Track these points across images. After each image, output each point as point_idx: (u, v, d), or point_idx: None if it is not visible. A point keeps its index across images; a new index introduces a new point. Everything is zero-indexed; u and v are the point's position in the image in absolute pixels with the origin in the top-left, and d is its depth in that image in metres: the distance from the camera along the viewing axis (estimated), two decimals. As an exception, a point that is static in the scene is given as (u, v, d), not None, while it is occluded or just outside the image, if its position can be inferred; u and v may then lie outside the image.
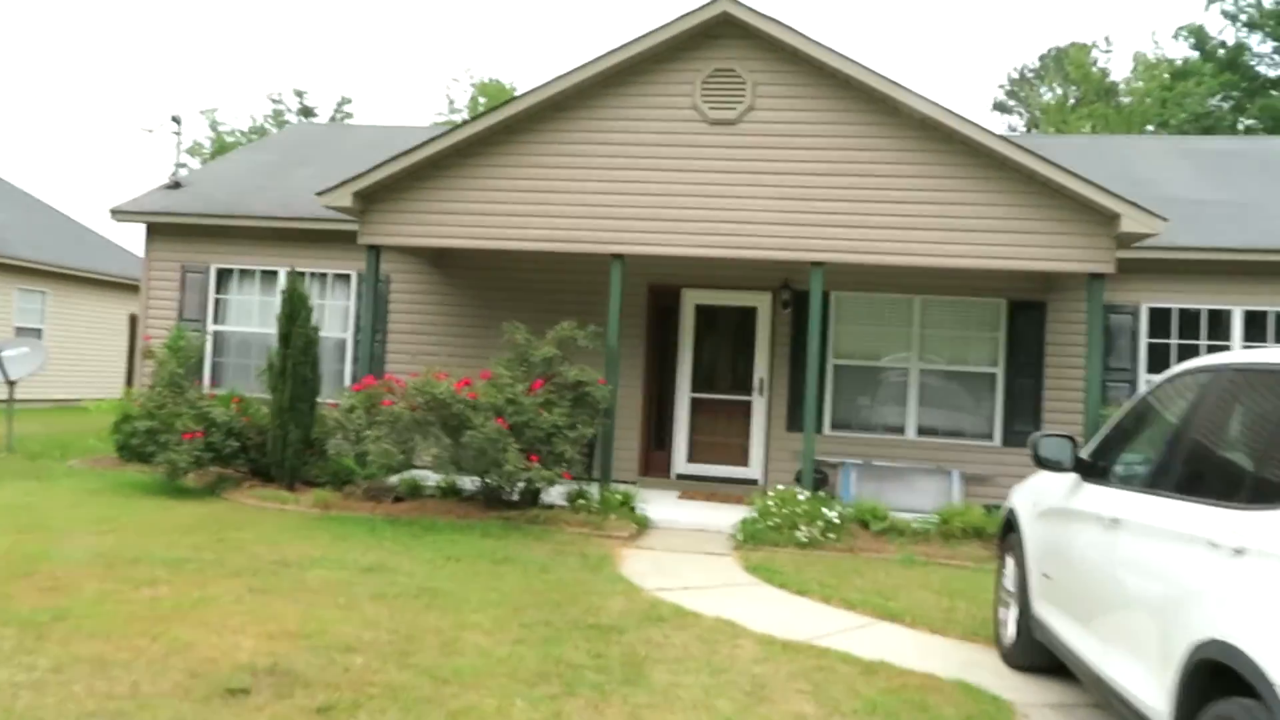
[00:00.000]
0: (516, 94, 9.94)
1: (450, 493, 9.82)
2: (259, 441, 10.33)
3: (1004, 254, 9.64)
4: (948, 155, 9.68)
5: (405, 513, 9.18)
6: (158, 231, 13.22)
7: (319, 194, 10.47)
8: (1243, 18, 32.06)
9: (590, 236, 10.17)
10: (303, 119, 46.96)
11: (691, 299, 12.18)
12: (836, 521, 8.90)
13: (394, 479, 10.06)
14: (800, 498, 9.12)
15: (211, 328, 13.06)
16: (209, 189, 13.95)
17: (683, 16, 9.90)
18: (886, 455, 11.54)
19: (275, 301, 12.91)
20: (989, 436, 11.54)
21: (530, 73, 63.14)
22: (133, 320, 17.06)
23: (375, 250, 10.71)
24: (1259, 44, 32.24)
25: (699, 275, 11.87)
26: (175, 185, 13.83)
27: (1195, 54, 33.23)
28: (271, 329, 12.85)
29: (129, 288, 24.22)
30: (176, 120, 14.75)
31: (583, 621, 5.99)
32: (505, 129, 10.29)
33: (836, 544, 8.76)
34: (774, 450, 11.93)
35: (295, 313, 9.91)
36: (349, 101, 48.55)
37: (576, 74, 10.05)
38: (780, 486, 10.18)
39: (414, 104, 63.90)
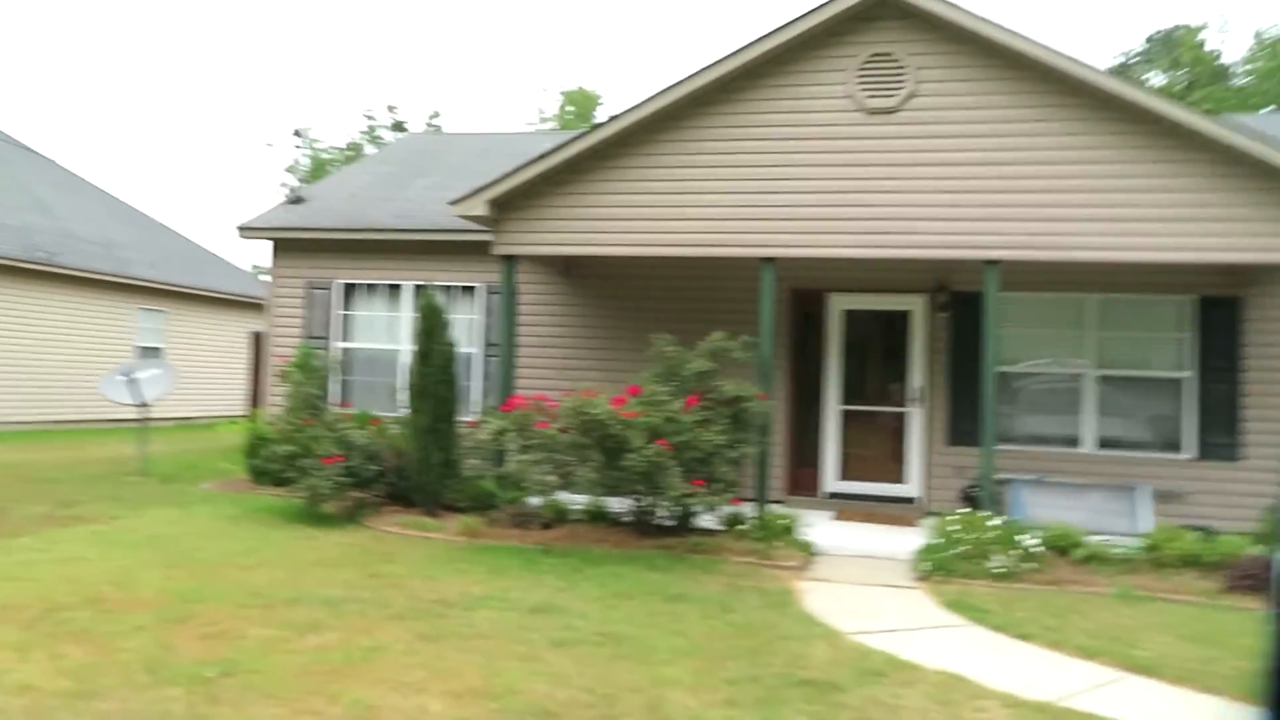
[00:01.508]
0: (656, 91, 9.28)
1: (598, 517, 9.23)
2: (396, 464, 9.91)
3: (1199, 245, 8.61)
4: (1135, 136, 8.70)
5: (556, 541, 8.61)
6: (283, 248, 13.00)
7: (451, 203, 10.01)
8: None
9: (737, 240, 9.48)
10: (395, 134, 47.49)
11: (838, 304, 11.37)
12: (1038, 549, 8.00)
13: (535, 501, 9.53)
14: (991, 522, 8.24)
15: (338, 344, 12.77)
16: (330, 203, 13.70)
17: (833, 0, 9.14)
18: (1060, 471, 10.55)
19: (400, 316, 12.59)
20: (1177, 448, 10.44)
21: (619, 79, 62.91)
22: (253, 338, 17.01)
23: (510, 260, 10.20)
24: None
25: (846, 278, 11.07)
26: (298, 200, 13.62)
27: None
28: (396, 345, 12.56)
29: (245, 305, 24.51)
30: (298, 134, 14.63)
31: (792, 676, 5.29)
32: (643, 128, 9.68)
33: (1036, 574, 7.86)
34: (934, 466, 11.03)
35: (432, 328, 9.45)
36: (439, 115, 48.87)
37: (719, 66, 9.37)
38: (948, 508, 9.34)
39: (503, 114, 64.23)
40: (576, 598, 6.80)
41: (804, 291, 11.30)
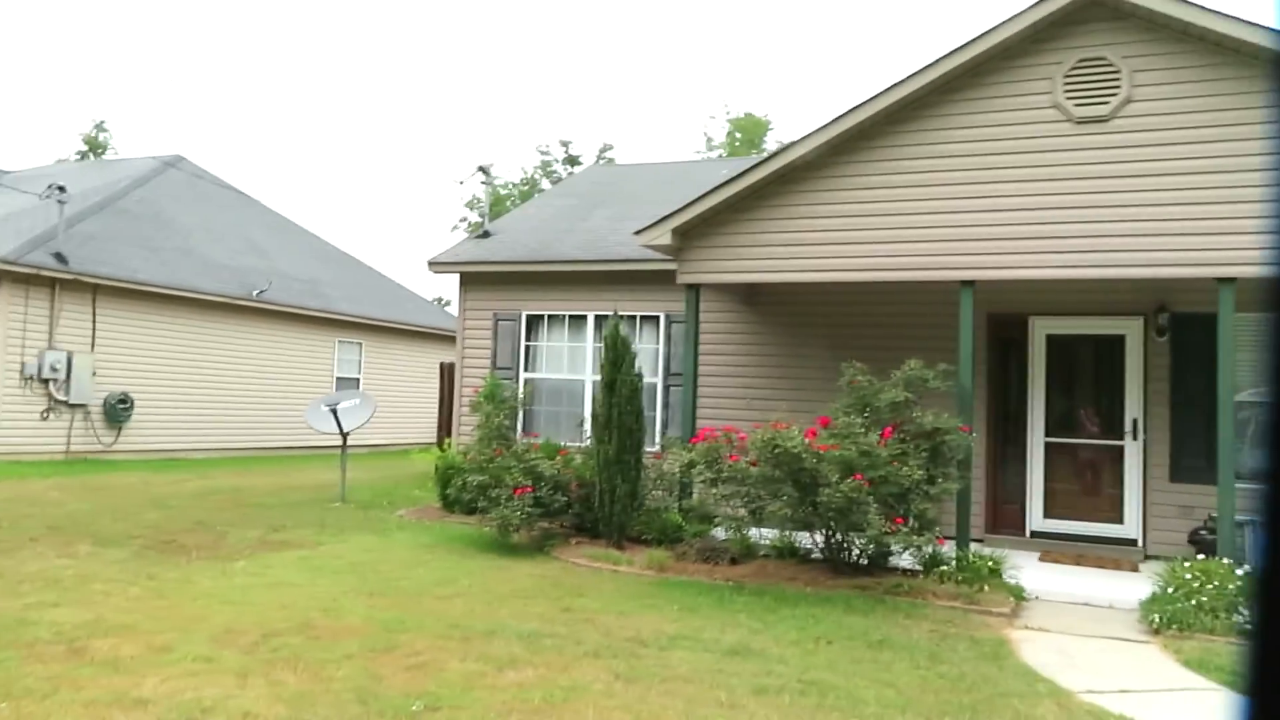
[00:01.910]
0: (844, 111, 8.98)
1: (787, 553, 8.92)
2: (582, 495, 9.93)
3: None
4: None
5: (746, 577, 8.35)
6: (470, 280, 13.41)
7: (636, 233, 10.01)
8: None
9: (934, 262, 9.01)
10: (568, 168, 48.81)
11: (1041, 328, 10.64)
12: (1289, 601, 7.10)
13: (721, 535, 9.32)
14: (1238, 572, 7.40)
15: (523, 375, 13.02)
16: (515, 236, 14.06)
17: (1036, 4, 8.58)
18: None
19: (582, 346, 12.70)
20: None
21: (786, 106, 62.50)
22: (442, 369, 17.65)
23: (695, 289, 10.09)
24: None
25: (1049, 300, 10.35)
26: (485, 235, 14.05)
27: None
28: (579, 375, 12.67)
29: (434, 337, 25.63)
30: (484, 170, 15.08)
31: (1021, 741, 4.82)
32: (831, 150, 9.38)
33: (1291, 630, 6.96)
34: (1153, 505, 10.09)
35: (619, 359, 9.43)
36: (610, 147, 49.85)
37: (912, 81, 8.98)
38: (1171, 551, 8.48)
39: (672, 144, 64.98)
40: (773, 640, 6.52)
41: (1002, 316, 10.64)
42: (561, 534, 10.02)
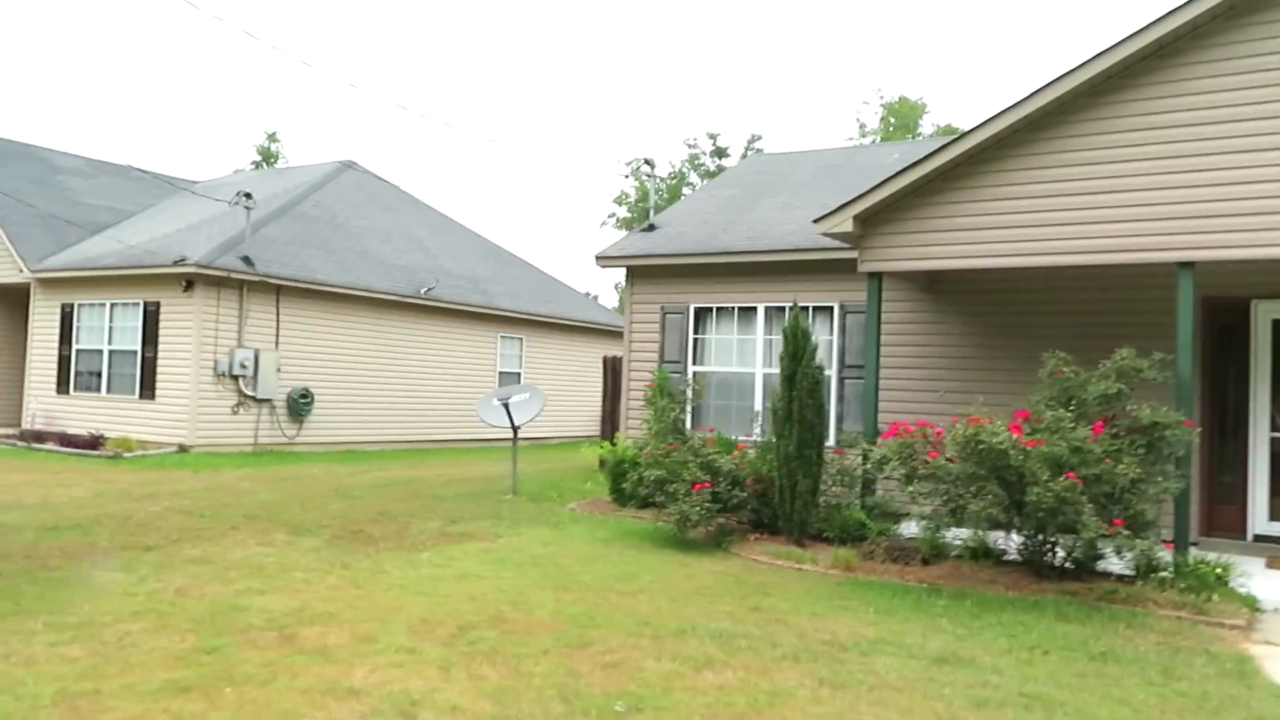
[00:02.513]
0: (1040, 85, 8.38)
1: (982, 555, 8.40)
2: (758, 491, 9.67)
3: None
4: None
5: (940, 579, 7.91)
6: (637, 274, 13.35)
7: (815, 221, 9.65)
8: None
9: (1145, 243, 8.28)
10: (716, 160, 48.45)
11: (1266, 313, 9.67)
12: None
13: (909, 533, 8.88)
14: None
15: (691, 368, 12.86)
16: (680, 229, 13.90)
17: (1267, -48, 7.74)
18: None
19: (752, 339, 12.43)
20: None
21: (941, 88, 60.23)
22: (606, 362, 17.74)
23: (877, 278, 9.65)
24: None
25: (1274, 282, 9.38)
26: (650, 228, 13.96)
27: None
28: (748, 367, 12.40)
29: (590, 331, 25.91)
30: (650, 164, 14.99)
31: (1294, 774, 4.28)
32: (1028, 126, 8.77)
33: None
34: (1403, 506, 9.02)
35: (799, 351, 9.12)
36: (759, 138, 49.26)
37: (1122, 48, 8.27)
38: None
39: (822, 131, 63.69)
40: (982, 649, 6.09)
41: (1219, 300, 9.73)
42: (739, 530, 9.79)
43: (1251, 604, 7.31)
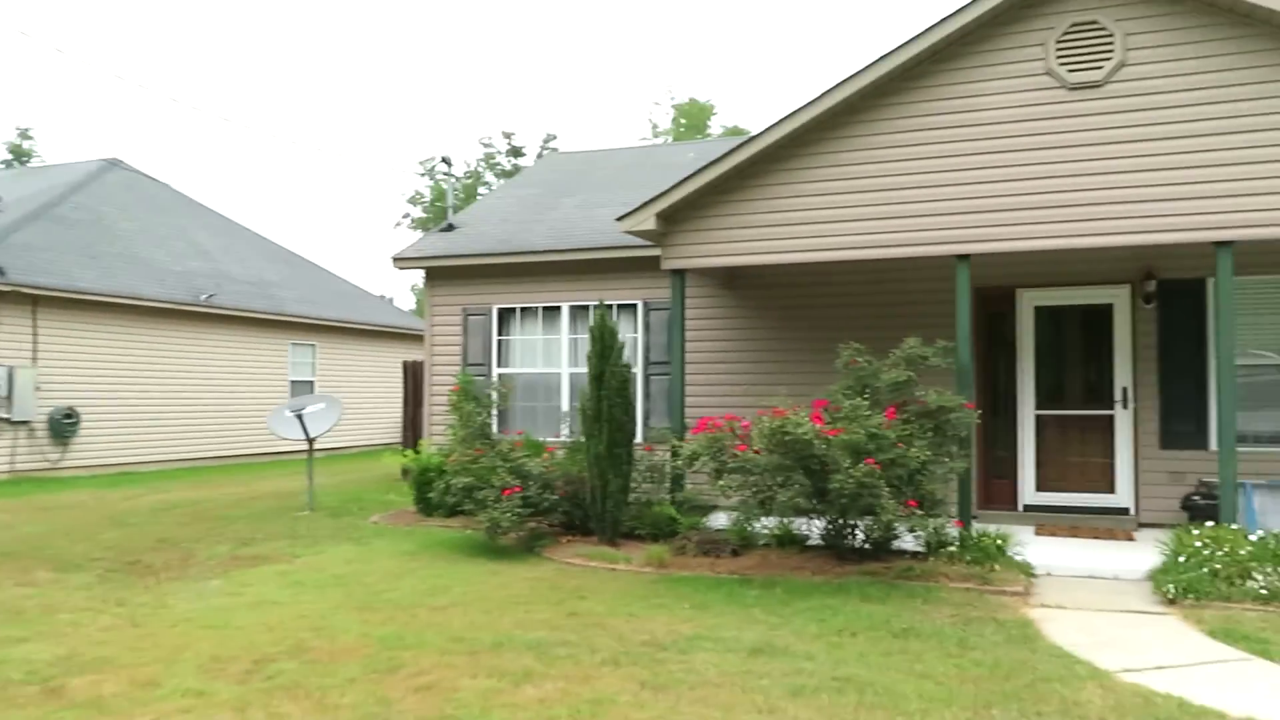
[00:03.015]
0: (831, 85, 8.71)
1: (788, 542, 8.66)
2: (569, 492, 9.57)
3: None
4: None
5: (750, 570, 8.07)
6: (437, 275, 12.94)
7: (618, 219, 9.63)
8: None
9: (927, 237, 8.78)
10: (512, 159, 48.09)
11: (1029, 300, 10.50)
12: (1309, 566, 7.03)
13: (718, 525, 9.05)
14: (1251, 537, 7.30)
15: (496, 370, 12.60)
16: (480, 228, 13.60)
17: (1024, -31, 8.37)
18: (1295, 472, 9.42)
19: (557, 339, 12.32)
20: None
21: (730, 91, 62.35)
22: (406, 367, 17.12)
23: (680, 275, 9.76)
24: None
25: (1037, 272, 10.21)
26: (449, 228, 13.57)
27: None
28: (555, 368, 12.29)
29: (389, 335, 25.01)
30: (447, 162, 14.56)
31: (1079, 730, 4.60)
32: (818, 125, 9.10)
33: (1311, 595, 6.88)
34: (1145, 472, 10.02)
35: (606, 349, 9.07)
36: (554, 137, 49.26)
37: (900, 53, 8.71)
38: (1164, 518, 8.40)
39: (616, 131, 64.52)
40: (795, 635, 6.24)
41: (989, 290, 10.48)
42: (550, 533, 9.66)
43: (1027, 570, 7.89)
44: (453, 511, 10.26)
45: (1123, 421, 10.15)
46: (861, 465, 7.10)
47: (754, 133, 9.06)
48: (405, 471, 13.57)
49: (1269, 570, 7.00)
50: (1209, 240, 8.05)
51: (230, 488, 15.53)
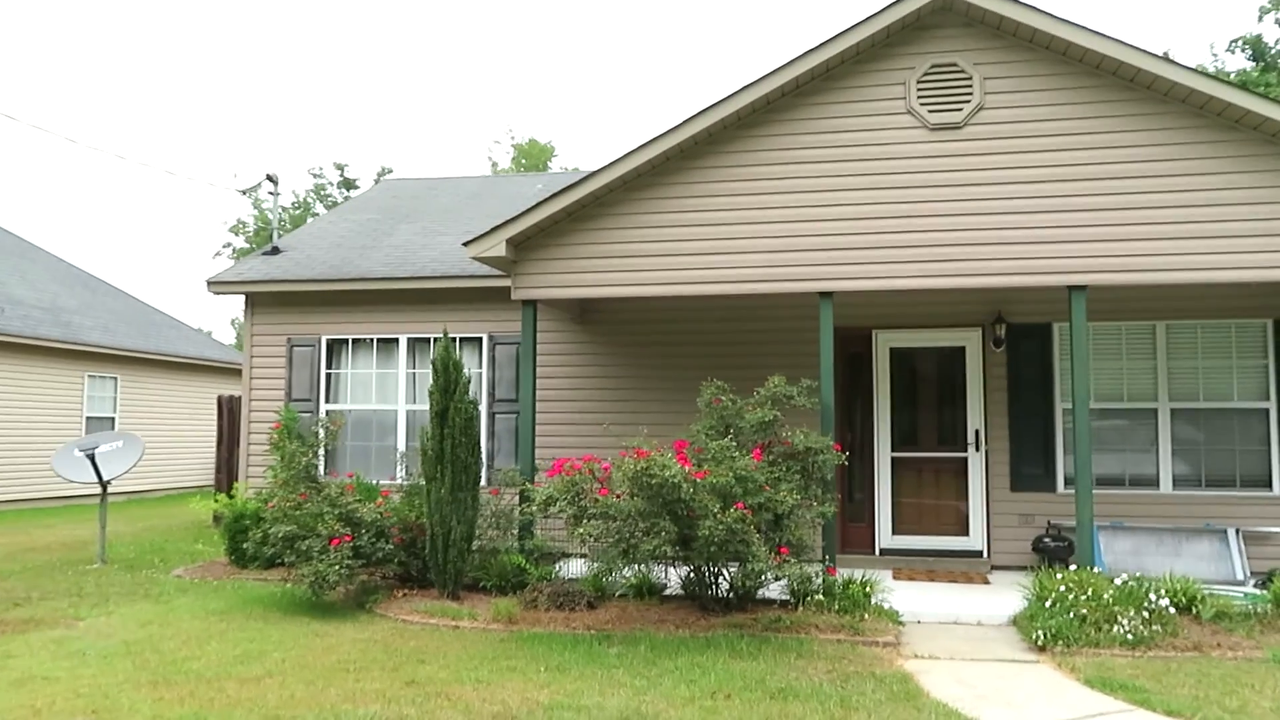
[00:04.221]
0: (693, 113, 8.38)
1: (646, 592, 8.08)
2: (406, 541, 8.67)
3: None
4: (1234, 145, 7.92)
5: (609, 624, 7.42)
6: (259, 302, 11.76)
7: (466, 244, 8.91)
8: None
9: (790, 274, 8.51)
10: (344, 191, 46.22)
11: (885, 341, 10.42)
12: (1169, 610, 7.01)
13: (572, 574, 8.38)
14: (1117, 581, 7.25)
15: (324, 407, 11.51)
16: (310, 253, 12.51)
17: (887, 8, 8.29)
18: (1139, 514, 9.65)
19: (393, 374, 11.41)
20: (1267, 485, 9.59)
21: (570, 132, 62.49)
22: (221, 403, 15.61)
23: (532, 306, 9.11)
24: None
25: (893, 314, 10.15)
26: (274, 251, 12.41)
27: (1253, 64, 30.94)
28: (390, 404, 11.37)
29: (203, 369, 23.02)
30: (273, 180, 13.37)
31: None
32: (680, 154, 8.72)
33: (1173, 639, 6.85)
34: (996, 515, 10.04)
35: (451, 384, 8.29)
36: (390, 171, 47.77)
37: (763, 84, 8.46)
38: (1014, 560, 8.38)
39: (454, 169, 63.35)
40: (664, 700, 5.63)
41: (847, 330, 10.31)
42: (385, 587, 8.71)
43: (894, 618, 7.59)
44: (271, 563, 9.13)
45: (975, 464, 10.16)
46: (732, 510, 6.62)
47: (616, 157, 8.58)
48: (217, 518, 12.19)
49: (1133, 614, 6.94)
50: (1063, 284, 8.12)
51: (7, 537, 13.58)
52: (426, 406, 9.33)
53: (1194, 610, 7.30)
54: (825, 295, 8.46)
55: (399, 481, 10.31)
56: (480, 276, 10.57)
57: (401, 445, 11.22)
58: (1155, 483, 9.79)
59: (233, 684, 6.02)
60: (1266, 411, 9.62)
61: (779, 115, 8.62)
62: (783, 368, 8.60)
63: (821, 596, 7.63)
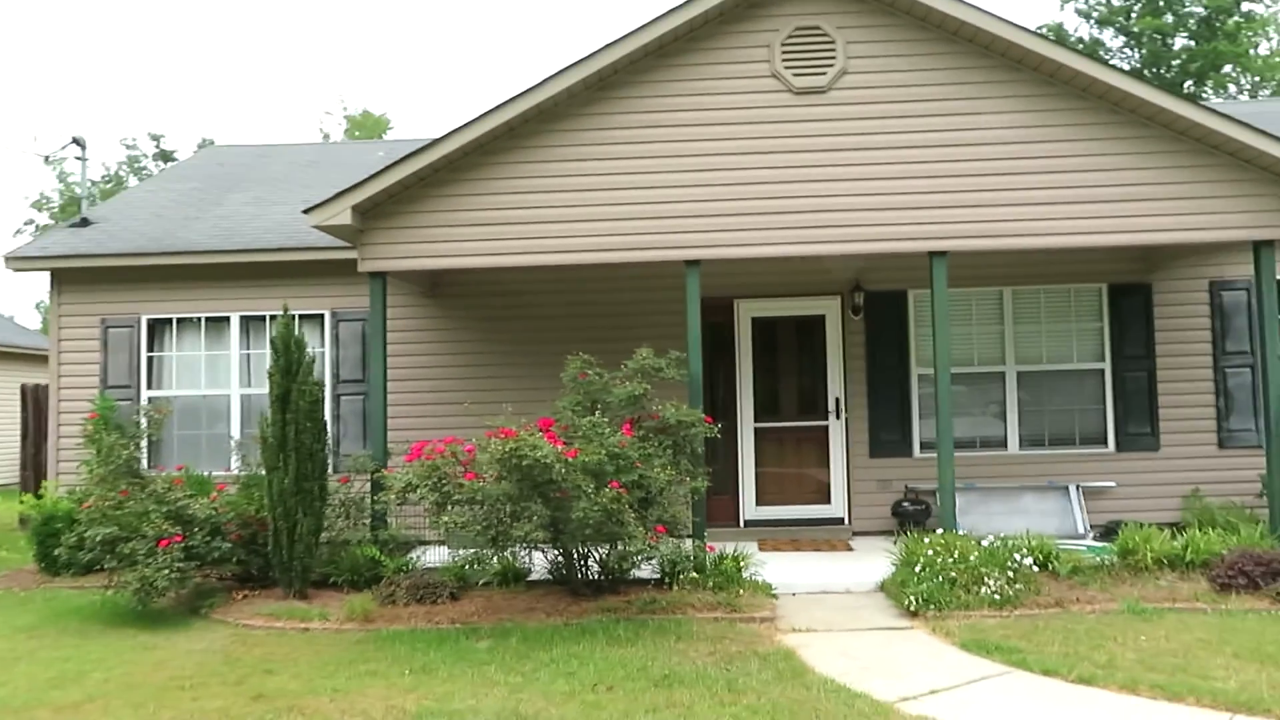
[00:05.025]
0: (553, 72, 7.93)
1: (512, 578, 7.67)
2: (246, 537, 7.93)
3: (1152, 225, 8.14)
4: (1085, 113, 8.13)
5: (476, 617, 6.97)
6: (67, 280, 10.54)
7: (307, 211, 8.16)
8: (1094, 15, 31.93)
9: (656, 241, 8.23)
10: (160, 164, 43.04)
11: (747, 311, 10.30)
12: (1032, 569, 7.16)
13: (428, 560, 7.89)
14: (983, 543, 7.36)
15: (146, 393, 10.47)
16: (126, 224, 11.33)
17: (747, -35, 8.07)
18: (989, 475, 9.93)
19: (225, 355, 10.52)
20: (1103, 442, 10.04)
21: (406, 105, 60.34)
22: (25, 392, 14.08)
23: (380, 279, 8.47)
24: (1111, 39, 32.14)
25: (754, 282, 10.04)
26: (84, 223, 11.16)
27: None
28: (223, 389, 10.49)
29: (6, 356, 20.85)
30: (80, 144, 11.99)
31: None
32: (540, 116, 8.26)
33: (1036, 597, 7.00)
34: (857, 482, 10.14)
35: (293, 365, 7.59)
36: (211, 142, 44.80)
37: (624, 44, 8.09)
38: (875, 525, 8.49)
39: (284, 140, 60.04)
40: (543, 698, 5.26)
41: (709, 300, 9.93)
42: (223, 589, 7.96)
43: (768, 591, 7.47)
44: (90, 569, 8.18)
45: (836, 432, 10.21)
46: (607, 490, 6.29)
47: (471, 118, 8.03)
48: (24, 521, 10.97)
49: (998, 575, 7.05)
50: (926, 250, 8.16)
51: None
52: (264, 390, 8.55)
53: (1050, 567, 7.49)
54: (692, 264, 8.22)
55: (235, 472, 9.49)
56: (322, 248, 9.81)
57: (237, 433, 10.33)
58: (1004, 444, 10.10)
59: (45, 713, 5.28)
60: (1102, 372, 10.06)
61: (642, 77, 8.28)
62: (650, 339, 8.31)
63: (695, 574, 7.42)
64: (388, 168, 8.06)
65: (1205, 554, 7.56)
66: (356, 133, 46.35)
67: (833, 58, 8.18)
